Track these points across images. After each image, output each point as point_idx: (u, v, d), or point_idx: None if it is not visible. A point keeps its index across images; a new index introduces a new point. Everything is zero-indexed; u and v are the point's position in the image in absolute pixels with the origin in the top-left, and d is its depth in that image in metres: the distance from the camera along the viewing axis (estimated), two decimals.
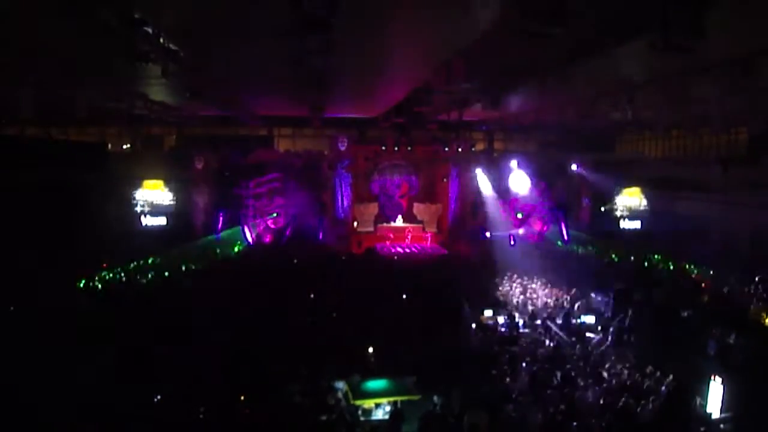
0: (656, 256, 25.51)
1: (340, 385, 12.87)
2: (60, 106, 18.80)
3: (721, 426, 11.60)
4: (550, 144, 36.13)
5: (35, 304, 16.96)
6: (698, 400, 12.20)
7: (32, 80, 14.02)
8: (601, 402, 12.33)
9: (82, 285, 19.60)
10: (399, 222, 32.30)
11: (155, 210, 26.58)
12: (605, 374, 13.91)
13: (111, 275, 21.13)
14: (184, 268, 24.43)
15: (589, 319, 17.99)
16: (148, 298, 19.88)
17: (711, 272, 22.84)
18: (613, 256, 27.44)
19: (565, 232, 31.40)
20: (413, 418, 11.68)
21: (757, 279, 20.46)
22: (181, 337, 15.01)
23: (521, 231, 31.67)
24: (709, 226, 24.62)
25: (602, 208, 30.88)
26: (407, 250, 30.05)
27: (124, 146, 32.90)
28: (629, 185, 29.76)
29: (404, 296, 20.15)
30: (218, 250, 27.32)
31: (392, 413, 11.82)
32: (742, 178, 23.39)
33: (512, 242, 30.95)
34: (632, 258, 26.66)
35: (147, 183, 26.76)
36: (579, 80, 14.87)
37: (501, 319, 18.02)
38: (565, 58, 12.07)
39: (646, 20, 8.52)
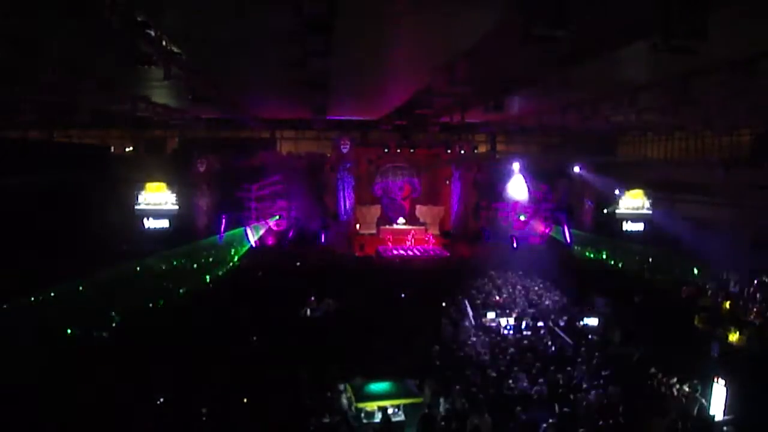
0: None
1: (343, 387, 12.85)
2: (62, 109, 18.84)
3: (724, 428, 11.56)
4: (552, 146, 36.14)
5: (36, 305, 17.03)
6: (701, 403, 12.17)
7: (34, 83, 14.04)
8: (605, 404, 12.30)
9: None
10: (401, 224, 32.29)
11: (157, 212, 26.69)
12: (608, 377, 13.88)
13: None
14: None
15: (592, 322, 17.96)
16: (149, 299, 19.92)
17: (713, 274, 22.83)
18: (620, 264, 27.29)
19: (567, 234, 31.40)
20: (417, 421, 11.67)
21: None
22: (182, 339, 15.03)
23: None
24: (712, 227, 24.58)
25: (605, 210, 30.89)
26: (409, 252, 30.04)
27: (127, 149, 32.99)
28: (632, 187, 29.77)
29: (406, 298, 20.15)
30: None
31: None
32: (745, 180, 23.37)
33: (515, 244, 30.97)
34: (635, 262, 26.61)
35: (149, 186, 26.84)
36: (581, 82, 14.86)
37: (504, 321, 17.99)
38: (567, 61, 12.06)
39: (648, 22, 8.51)
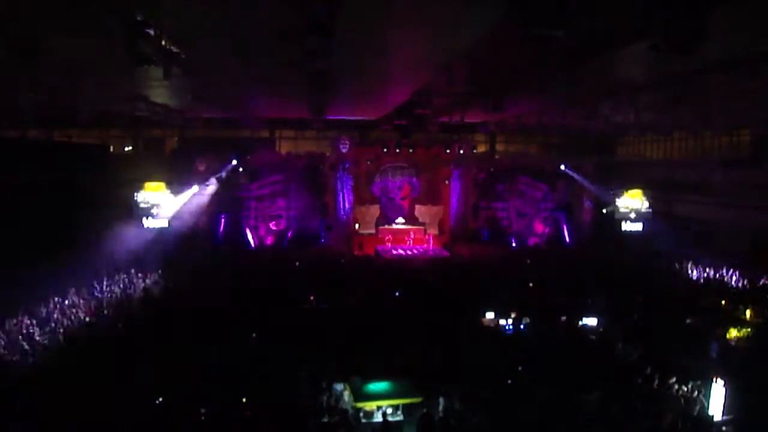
0: None
1: (342, 387, 12.85)
2: (62, 108, 18.85)
3: (723, 429, 11.58)
4: (551, 146, 36.16)
5: (36, 304, 17.01)
6: (702, 403, 12.19)
7: (34, 83, 14.04)
8: (604, 405, 12.31)
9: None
10: (400, 224, 32.29)
11: (157, 212, 26.65)
12: (607, 376, 13.88)
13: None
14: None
15: (591, 322, 17.96)
16: (148, 298, 19.89)
17: (713, 274, 22.86)
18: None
19: (567, 234, 31.42)
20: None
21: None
22: (181, 338, 15.02)
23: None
24: (711, 228, 24.61)
25: (604, 210, 30.88)
26: (409, 252, 30.03)
27: (126, 148, 32.98)
28: (631, 187, 29.77)
29: (405, 298, 20.14)
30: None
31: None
32: (744, 180, 23.39)
33: (513, 244, 30.98)
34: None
35: (149, 185, 26.81)
36: (581, 83, 14.87)
37: (503, 321, 17.99)
38: (566, 61, 12.07)
39: (647, 22, 8.52)
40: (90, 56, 12.77)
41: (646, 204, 29.77)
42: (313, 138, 33.97)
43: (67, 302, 17.80)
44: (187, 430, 11.27)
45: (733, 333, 16.63)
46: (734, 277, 22.04)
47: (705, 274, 23.09)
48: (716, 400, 11.88)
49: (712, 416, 11.82)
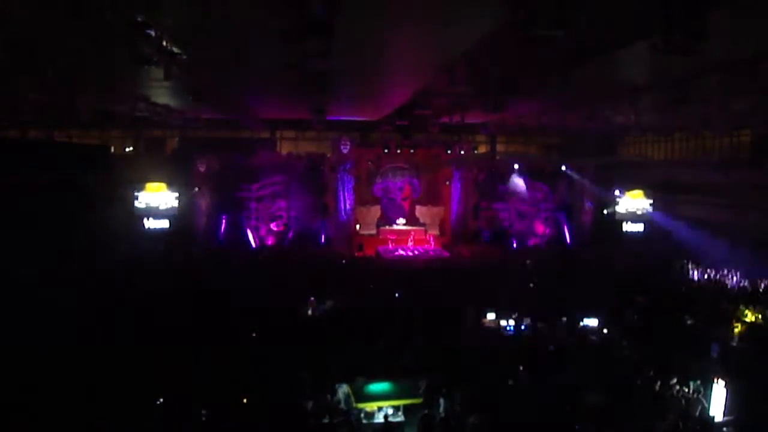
0: None
1: (343, 387, 12.84)
2: (63, 108, 18.86)
3: (724, 429, 11.56)
4: (552, 147, 36.15)
5: (37, 304, 16.99)
6: (702, 404, 12.17)
7: (34, 83, 14.05)
8: (605, 405, 12.29)
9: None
10: (401, 224, 32.29)
11: (158, 212, 26.67)
12: (608, 377, 13.86)
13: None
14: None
15: (592, 322, 17.95)
16: (149, 298, 19.87)
17: (714, 275, 22.85)
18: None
19: (567, 235, 31.41)
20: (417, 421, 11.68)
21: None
22: (183, 338, 15.00)
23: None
24: (712, 228, 24.59)
25: (605, 211, 30.87)
26: (409, 253, 30.03)
27: (127, 149, 33.01)
28: (632, 188, 29.77)
29: (406, 299, 20.12)
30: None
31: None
32: (745, 181, 23.37)
33: (514, 245, 30.99)
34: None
35: (149, 185, 26.82)
36: (581, 83, 14.84)
37: (503, 322, 17.97)
38: (567, 61, 12.06)
39: (647, 22, 8.52)
40: (90, 56, 12.77)
41: (647, 205, 29.78)
42: (314, 139, 33.99)
43: None
44: (187, 430, 11.26)
45: (733, 333, 16.66)
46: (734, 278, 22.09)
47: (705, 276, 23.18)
48: (717, 400, 11.87)
49: (713, 417, 11.80)
